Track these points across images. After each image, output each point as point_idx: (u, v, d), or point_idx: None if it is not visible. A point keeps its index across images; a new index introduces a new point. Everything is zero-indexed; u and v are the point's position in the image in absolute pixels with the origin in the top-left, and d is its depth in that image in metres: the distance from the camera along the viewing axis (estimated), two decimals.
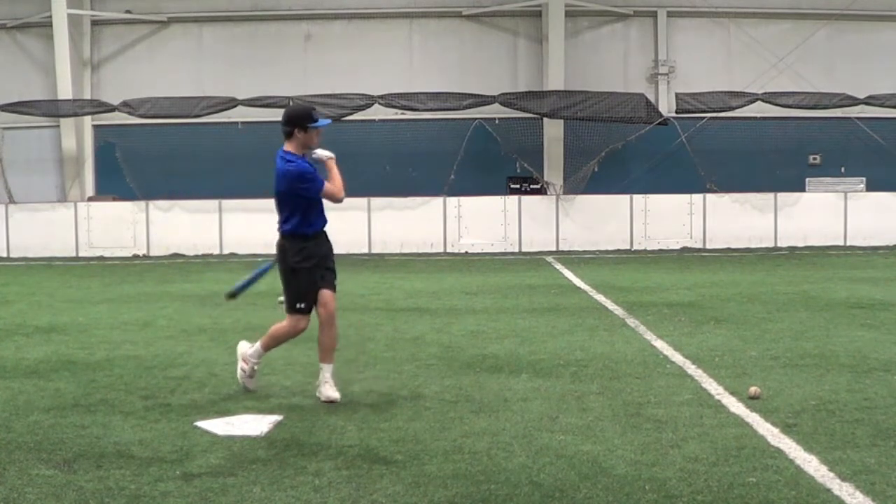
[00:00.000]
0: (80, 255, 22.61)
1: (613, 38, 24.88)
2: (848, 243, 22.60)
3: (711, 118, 23.72)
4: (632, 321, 10.63)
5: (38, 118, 23.79)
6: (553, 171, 23.78)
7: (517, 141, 24.09)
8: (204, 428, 6.01)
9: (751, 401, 6.57)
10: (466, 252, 22.29)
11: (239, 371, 7.12)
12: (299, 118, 6.89)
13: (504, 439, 5.68)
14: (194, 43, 24.99)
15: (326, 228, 6.96)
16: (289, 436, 5.82)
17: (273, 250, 6.99)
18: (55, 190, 24.71)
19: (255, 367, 7.07)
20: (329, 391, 6.76)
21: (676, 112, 23.35)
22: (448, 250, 22.49)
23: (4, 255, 22.67)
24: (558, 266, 18.57)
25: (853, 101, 23.04)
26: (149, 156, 24.34)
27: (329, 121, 7.27)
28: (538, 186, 23.59)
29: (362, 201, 21.97)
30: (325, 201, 6.91)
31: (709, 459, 5.19)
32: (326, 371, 6.83)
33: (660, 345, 9.02)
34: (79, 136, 24.49)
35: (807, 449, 5.37)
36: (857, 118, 23.88)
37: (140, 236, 22.78)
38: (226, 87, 23.72)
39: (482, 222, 22.70)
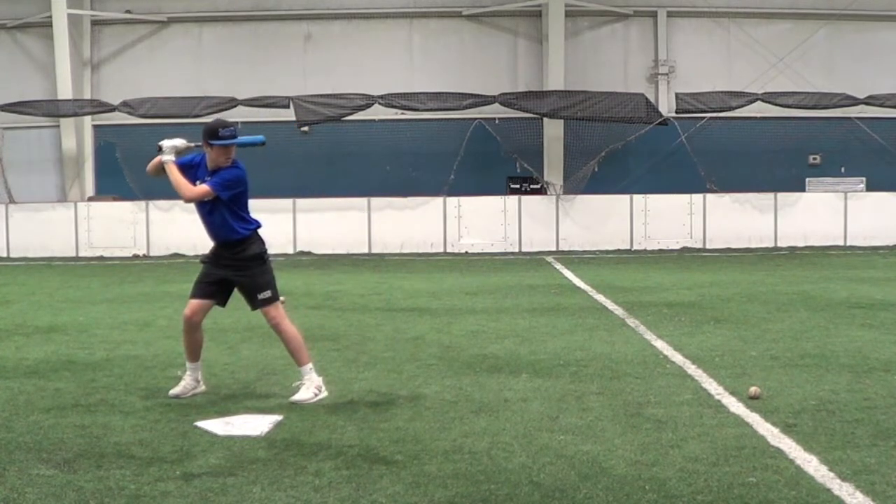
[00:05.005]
0: (80, 255, 22.62)
1: (613, 38, 24.88)
2: (848, 243, 22.60)
3: (711, 118, 23.73)
4: (632, 321, 10.63)
5: (38, 118, 23.81)
6: (553, 171, 23.78)
7: (517, 141, 24.09)
8: (204, 428, 6.00)
9: (751, 401, 6.56)
10: (466, 252, 22.29)
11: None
12: (204, 133, 6.89)
13: (504, 439, 5.67)
14: (194, 43, 24.99)
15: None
16: (289, 436, 5.82)
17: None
18: (55, 190, 24.73)
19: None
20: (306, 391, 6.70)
21: (676, 112, 23.35)
22: (448, 250, 22.48)
23: (4, 255, 22.67)
24: (558, 266, 18.56)
25: (853, 101, 23.04)
26: (149, 156, 24.00)
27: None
28: (538, 186, 23.59)
29: (362, 201, 21.87)
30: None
31: (709, 459, 5.19)
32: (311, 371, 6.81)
33: (660, 345, 9.02)
34: (79, 136, 24.51)
35: (807, 449, 5.37)
36: (857, 118, 23.88)
37: (140, 236, 22.79)
38: (226, 87, 23.72)
39: (482, 222, 22.71)
